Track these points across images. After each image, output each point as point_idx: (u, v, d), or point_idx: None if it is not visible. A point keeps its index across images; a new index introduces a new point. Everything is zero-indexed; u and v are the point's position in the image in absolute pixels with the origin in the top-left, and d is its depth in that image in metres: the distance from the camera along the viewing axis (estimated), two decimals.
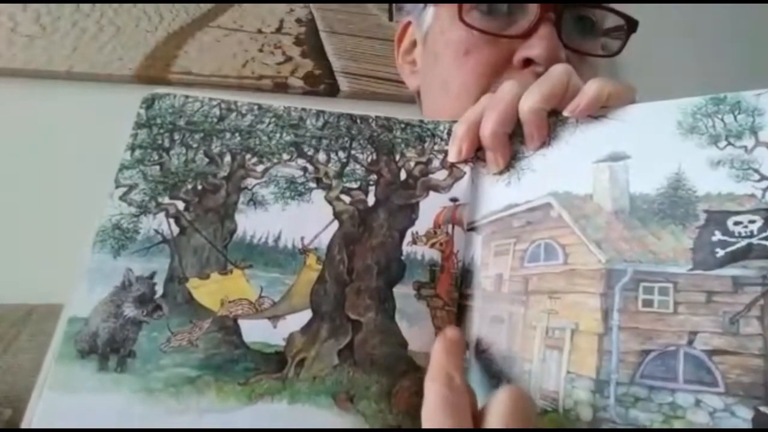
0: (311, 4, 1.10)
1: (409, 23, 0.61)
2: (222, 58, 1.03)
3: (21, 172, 0.89)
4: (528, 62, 0.47)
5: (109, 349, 0.32)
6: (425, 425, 0.29)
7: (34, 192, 0.88)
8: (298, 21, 1.09)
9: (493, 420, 0.29)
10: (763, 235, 0.29)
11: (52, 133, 0.92)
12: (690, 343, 0.29)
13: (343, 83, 1.08)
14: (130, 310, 0.33)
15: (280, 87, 1.04)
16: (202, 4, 1.05)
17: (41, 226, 0.85)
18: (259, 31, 1.06)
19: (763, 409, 0.27)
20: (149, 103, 0.39)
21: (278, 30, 1.07)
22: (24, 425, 0.29)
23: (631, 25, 0.51)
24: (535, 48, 0.46)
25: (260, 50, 1.05)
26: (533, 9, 0.47)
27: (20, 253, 0.82)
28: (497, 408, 0.29)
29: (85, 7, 0.99)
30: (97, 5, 0.99)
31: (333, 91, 1.07)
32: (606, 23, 0.52)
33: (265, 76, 1.04)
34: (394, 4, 0.63)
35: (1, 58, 0.93)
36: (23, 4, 0.96)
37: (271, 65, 1.05)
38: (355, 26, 1.12)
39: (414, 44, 0.60)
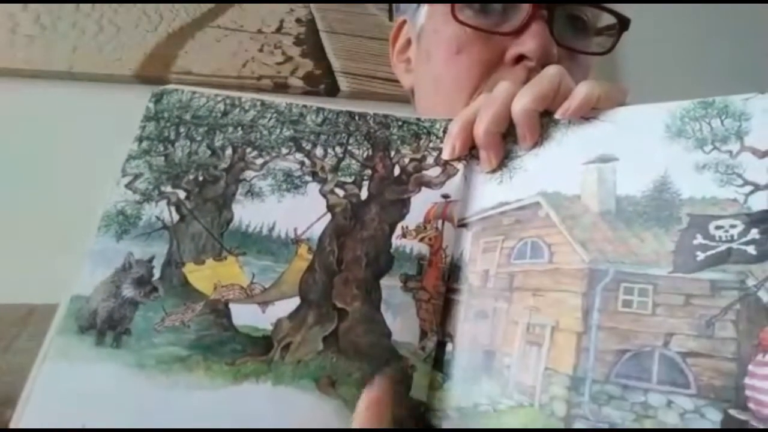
0: (311, 4, 1.11)
1: (404, 22, 0.62)
2: (222, 58, 1.03)
3: (21, 172, 0.90)
4: (520, 59, 0.48)
5: (107, 326, 0.33)
6: None
7: (34, 192, 0.89)
8: (298, 21, 1.10)
9: None
10: (743, 240, 0.29)
11: (52, 133, 0.93)
12: (666, 344, 0.30)
13: (343, 83, 1.08)
14: (128, 291, 0.34)
15: (280, 87, 1.05)
16: (202, 4, 1.05)
17: (41, 226, 0.86)
18: (259, 31, 1.07)
19: (732, 412, 0.27)
20: (158, 97, 0.41)
21: (278, 30, 1.08)
22: (24, 394, 0.31)
23: (623, 23, 0.51)
24: (526, 44, 0.47)
25: (260, 50, 1.06)
26: (525, 7, 0.48)
27: (20, 253, 0.83)
28: None
29: (85, 7, 1.00)
30: (97, 5, 1.00)
31: (333, 90, 1.08)
32: (599, 22, 0.52)
33: (265, 76, 1.05)
34: (394, 4, 0.64)
35: (1, 58, 0.94)
36: (23, 4, 0.97)
37: (271, 65, 1.05)
38: (355, 26, 1.12)
39: (409, 43, 0.61)
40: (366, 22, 1.13)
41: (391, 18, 0.64)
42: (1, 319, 0.81)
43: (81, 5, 1.00)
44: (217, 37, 1.05)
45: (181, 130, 0.40)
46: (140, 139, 0.40)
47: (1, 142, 0.92)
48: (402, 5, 0.62)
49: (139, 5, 1.03)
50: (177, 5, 1.05)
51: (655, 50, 1.16)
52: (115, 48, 1.00)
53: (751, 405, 0.27)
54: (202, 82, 1.02)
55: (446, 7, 0.50)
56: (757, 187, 0.30)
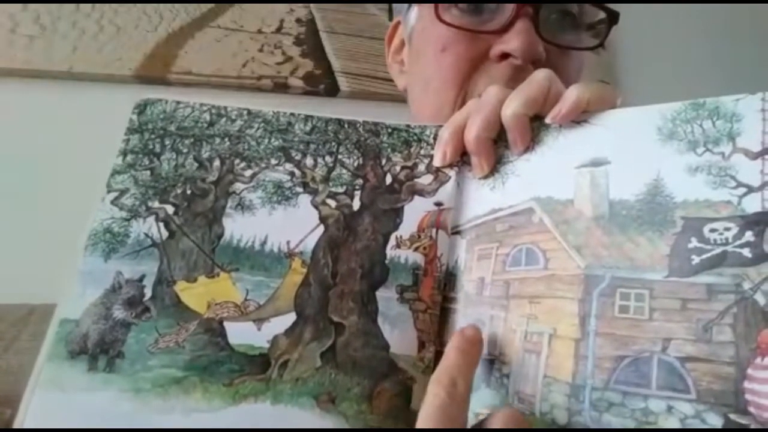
0: (311, 4, 1.10)
1: (398, 23, 0.62)
2: (222, 58, 1.03)
3: (21, 172, 0.90)
4: (505, 56, 0.48)
5: (99, 350, 0.33)
6: (418, 425, 0.29)
7: (34, 192, 0.89)
8: (298, 21, 1.09)
9: None
10: (738, 242, 0.30)
11: (52, 133, 0.92)
12: (664, 349, 0.30)
13: (343, 83, 1.08)
14: (119, 312, 0.34)
15: (280, 87, 1.04)
16: (202, 4, 1.05)
17: (41, 226, 0.85)
18: (259, 31, 1.06)
19: (732, 416, 0.27)
20: (141, 108, 0.40)
21: (278, 30, 1.07)
22: (17, 424, 0.30)
23: (612, 17, 0.51)
24: (511, 42, 0.47)
25: (260, 50, 1.05)
26: (511, 5, 0.48)
27: (20, 253, 0.83)
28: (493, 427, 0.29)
29: (85, 7, 0.99)
30: (97, 5, 1.00)
31: (333, 91, 1.07)
32: (590, 17, 0.52)
33: (265, 76, 1.04)
34: (393, 5, 0.64)
35: (1, 58, 0.93)
36: (23, 4, 0.96)
37: (271, 65, 1.05)
38: (355, 26, 1.11)
39: (403, 44, 0.61)
40: (366, 22, 1.12)
41: (390, 18, 0.64)
42: (1, 319, 0.80)
43: (81, 5, 0.99)
44: (217, 37, 1.04)
45: (167, 142, 0.39)
46: (124, 153, 0.39)
47: (1, 142, 0.91)
48: (397, 6, 0.62)
49: (139, 5, 1.02)
50: (177, 5, 1.03)
51: (653, 50, 1.17)
52: (115, 48, 0.99)
53: (751, 409, 0.27)
54: (202, 82, 1.01)
55: (432, 7, 0.50)
56: (750, 189, 0.30)
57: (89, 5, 0.99)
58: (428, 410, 0.29)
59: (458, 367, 0.31)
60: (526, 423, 0.31)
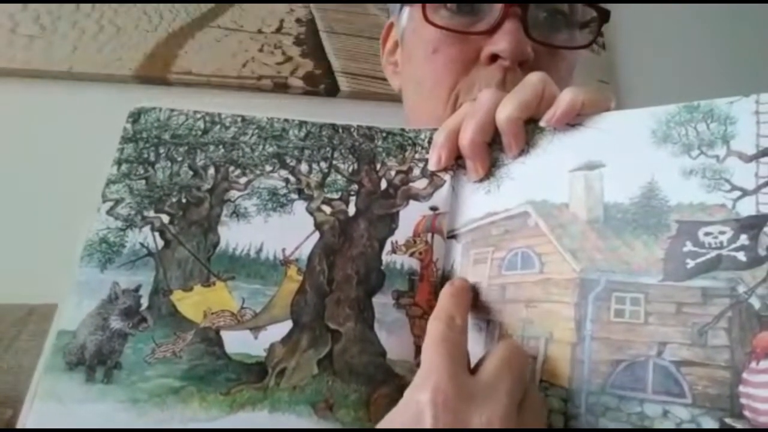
0: (311, 4, 1.10)
1: (391, 24, 0.61)
2: (222, 58, 1.03)
3: (21, 172, 0.90)
4: (494, 58, 0.47)
5: (96, 361, 0.33)
6: (423, 359, 0.31)
7: (34, 192, 0.89)
8: (298, 21, 1.09)
9: (488, 364, 0.30)
10: (733, 246, 0.29)
11: (52, 133, 0.92)
12: (659, 353, 0.30)
13: (343, 83, 1.08)
14: (116, 323, 0.34)
15: (280, 87, 1.04)
16: (202, 4, 1.05)
17: (41, 226, 0.86)
18: (259, 31, 1.06)
19: (728, 420, 0.28)
20: (135, 117, 0.40)
21: (278, 30, 1.07)
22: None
23: (603, 15, 0.51)
24: (500, 43, 0.47)
25: (260, 50, 1.05)
26: (499, 5, 0.48)
27: (20, 253, 0.83)
28: (494, 353, 0.31)
29: (85, 7, 0.99)
30: (97, 5, 1.00)
31: (333, 91, 1.07)
32: (582, 16, 0.52)
33: (265, 76, 1.04)
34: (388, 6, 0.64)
35: (1, 58, 0.94)
36: (23, 4, 0.97)
37: (271, 65, 1.05)
38: (355, 26, 1.11)
39: (396, 45, 0.60)
40: (366, 22, 1.12)
41: None
42: (1, 319, 0.80)
43: (81, 5, 0.99)
44: (217, 37, 1.04)
45: (161, 150, 0.39)
46: (119, 162, 0.39)
47: (0, 142, 0.91)
48: (391, 7, 0.62)
49: (139, 5, 1.02)
50: (177, 5, 1.04)
51: (653, 50, 1.16)
52: (115, 48, 0.99)
53: (746, 413, 0.27)
54: (202, 82, 1.01)
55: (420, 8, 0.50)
56: (745, 192, 0.30)
57: (89, 5, 1.00)
58: (430, 341, 0.31)
59: (454, 306, 0.33)
60: (524, 352, 0.32)
